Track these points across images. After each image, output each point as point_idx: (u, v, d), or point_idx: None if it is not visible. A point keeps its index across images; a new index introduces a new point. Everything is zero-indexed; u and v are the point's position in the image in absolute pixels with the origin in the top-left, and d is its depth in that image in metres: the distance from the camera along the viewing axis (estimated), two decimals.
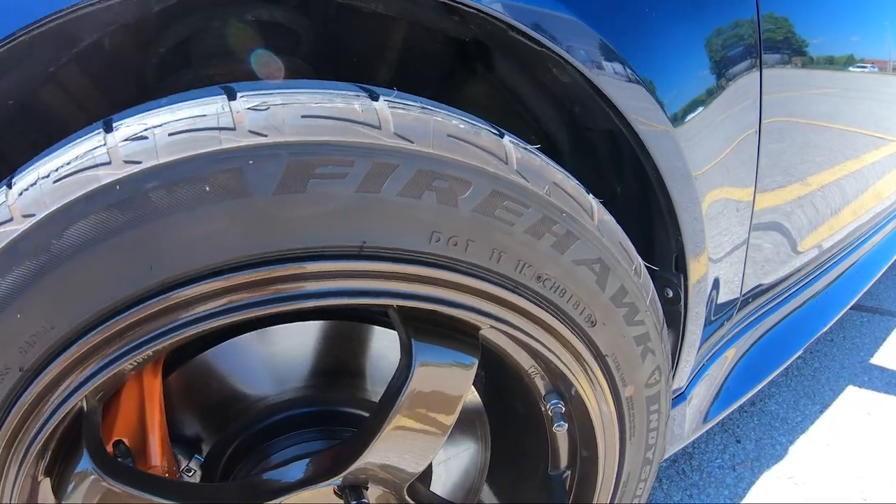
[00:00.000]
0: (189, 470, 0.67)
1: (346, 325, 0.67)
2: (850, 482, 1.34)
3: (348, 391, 0.70)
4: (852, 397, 1.67)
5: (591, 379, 0.61)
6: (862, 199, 1.55)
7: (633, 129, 0.67)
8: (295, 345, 0.67)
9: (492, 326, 0.53)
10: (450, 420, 0.56)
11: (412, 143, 0.45)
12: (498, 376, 0.73)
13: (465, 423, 0.75)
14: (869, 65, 1.51)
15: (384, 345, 0.68)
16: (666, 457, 0.94)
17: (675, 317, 0.80)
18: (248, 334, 0.64)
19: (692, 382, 0.96)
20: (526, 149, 0.51)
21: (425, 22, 0.66)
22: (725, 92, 0.76)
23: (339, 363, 0.69)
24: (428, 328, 0.51)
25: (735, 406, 1.10)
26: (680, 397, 0.93)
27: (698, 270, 0.76)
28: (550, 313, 0.54)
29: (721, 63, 0.77)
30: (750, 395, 1.14)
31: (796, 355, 1.29)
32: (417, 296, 0.48)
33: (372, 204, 0.45)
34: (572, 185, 0.53)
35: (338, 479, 0.58)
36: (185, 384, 0.65)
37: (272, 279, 0.44)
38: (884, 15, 1.54)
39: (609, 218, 0.57)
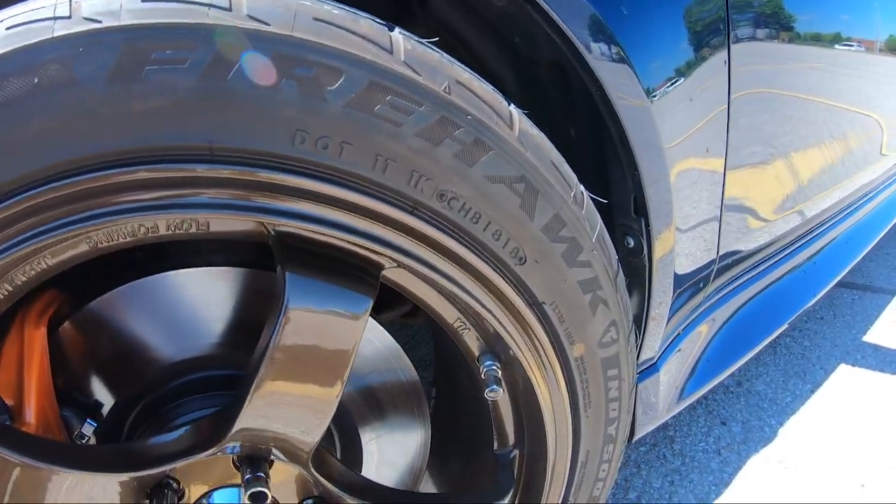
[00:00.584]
0: (82, 436, 0.58)
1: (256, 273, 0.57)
2: (846, 467, 1.25)
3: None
4: (845, 377, 1.59)
5: (527, 333, 0.51)
6: (846, 172, 1.48)
7: (580, 55, 0.58)
8: (197, 295, 0.57)
9: (393, 260, 0.43)
10: (338, 379, 0.46)
11: (268, 25, 0.36)
12: (438, 341, 0.64)
13: (398, 395, 0.66)
14: (855, 43, 1.44)
15: None
16: (641, 436, 0.85)
17: (639, 272, 0.70)
18: (132, 283, 0.55)
19: (665, 354, 0.87)
20: (421, 42, 0.42)
21: None
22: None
23: (249, 317, 0.59)
24: (309, 261, 0.41)
25: (714, 383, 1.00)
26: (651, 369, 0.83)
27: (662, 215, 0.66)
28: (464, 244, 0.44)
29: None
30: (730, 371, 1.05)
31: (779, 330, 1.20)
32: (284, 212, 0.38)
33: (219, 96, 0.35)
34: (483, 87, 0.44)
35: (219, 448, 0.48)
36: (75, 339, 0.56)
37: (108, 188, 0.35)
38: None
39: (537, 132, 0.47)
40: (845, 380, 1.57)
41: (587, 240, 0.51)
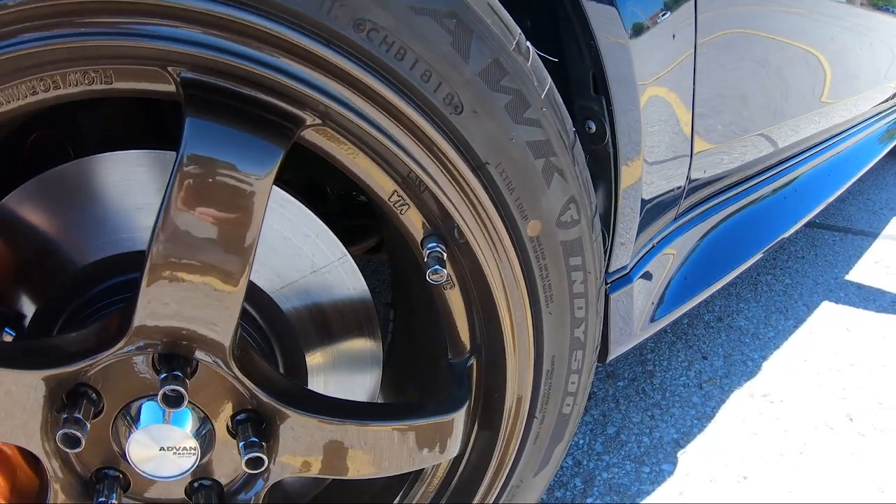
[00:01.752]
0: None
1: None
2: (833, 401, 1.23)
3: None
4: (829, 313, 1.57)
5: (471, 202, 0.46)
6: (821, 103, 1.44)
7: None
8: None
9: (314, 112, 0.37)
10: (243, 255, 0.40)
11: None
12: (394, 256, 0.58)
13: (341, 299, 0.60)
14: None
15: None
16: (615, 356, 0.80)
17: (603, 162, 0.65)
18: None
19: (638, 266, 0.82)
20: None
21: None
22: None
23: None
24: (216, 109, 0.36)
25: (685, 307, 0.96)
26: (624, 280, 0.78)
27: (625, 94, 0.61)
28: (389, 86, 0.38)
29: None
30: (702, 297, 1.01)
31: (755, 258, 1.16)
32: (182, 39, 0.32)
33: None
34: None
35: (125, 346, 0.43)
36: None
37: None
38: None
39: None
40: (829, 316, 1.55)
41: (535, 95, 0.45)
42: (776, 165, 1.35)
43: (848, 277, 1.80)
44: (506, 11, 0.45)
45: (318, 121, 0.41)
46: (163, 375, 0.45)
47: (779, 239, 1.31)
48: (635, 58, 0.60)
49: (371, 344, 0.66)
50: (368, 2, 0.37)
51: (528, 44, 0.47)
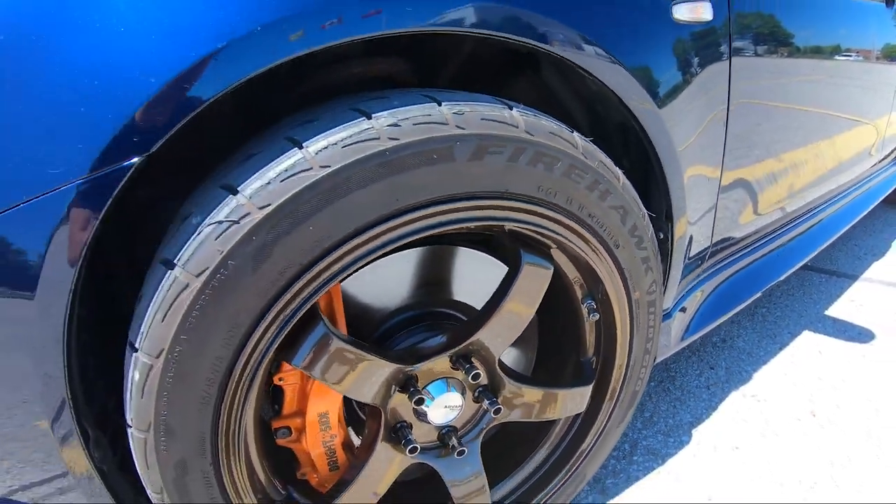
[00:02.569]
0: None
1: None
2: (803, 401, 1.75)
3: None
4: (808, 339, 2.09)
5: (614, 282, 1.00)
6: (822, 174, 1.95)
7: (637, 119, 1.04)
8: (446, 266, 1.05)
9: (554, 242, 0.92)
10: (530, 310, 0.94)
11: (532, 135, 0.82)
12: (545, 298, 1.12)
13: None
14: (855, 54, 1.91)
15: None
16: (658, 361, 1.34)
17: (665, 253, 1.19)
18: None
19: (674, 307, 1.36)
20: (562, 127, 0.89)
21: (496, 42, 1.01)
22: (699, 79, 1.14)
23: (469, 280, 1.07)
24: (526, 242, 0.90)
25: (705, 331, 1.50)
26: (667, 315, 1.32)
27: (680, 218, 1.15)
28: (592, 235, 0.92)
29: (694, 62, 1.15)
30: (717, 323, 1.54)
31: (753, 298, 1.68)
32: (519, 220, 0.86)
33: (512, 169, 0.81)
34: (594, 149, 0.91)
35: (454, 351, 0.96)
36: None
37: (466, 208, 0.80)
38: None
39: (630, 187, 0.95)
40: (807, 342, 2.06)
41: (647, 237, 0.99)
42: (779, 229, 1.87)
43: (826, 312, 2.32)
44: (650, 224, 0.99)
45: (554, 246, 0.94)
46: (466, 366, 0.97)
47: (775, 282, 1.83)
48: (688, 198, 1.14)
49: (532, 345, 1.19)
50: (587, 199, 0.91)
51: (645, 212, 1.00)
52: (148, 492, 0.82)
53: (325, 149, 0.66)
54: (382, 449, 0.95)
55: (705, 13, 1.15)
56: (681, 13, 1.09)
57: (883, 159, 2.77)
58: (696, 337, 1.46)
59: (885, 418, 1.67)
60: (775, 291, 2.44)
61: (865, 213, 2.47)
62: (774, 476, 1.46)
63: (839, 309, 2.33)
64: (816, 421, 1.68)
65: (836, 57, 1.80)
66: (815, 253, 2.04)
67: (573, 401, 1.10)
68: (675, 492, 1.41)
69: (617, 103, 1.02)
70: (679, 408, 1.70)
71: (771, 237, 1.81)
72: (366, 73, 0.91)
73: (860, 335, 2.14)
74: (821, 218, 2.14)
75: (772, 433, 1.61)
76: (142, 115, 0.61)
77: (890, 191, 2.77)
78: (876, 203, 2.58)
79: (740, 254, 1.67)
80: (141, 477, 0.80)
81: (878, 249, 2.97)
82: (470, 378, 0.96)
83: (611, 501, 1.39)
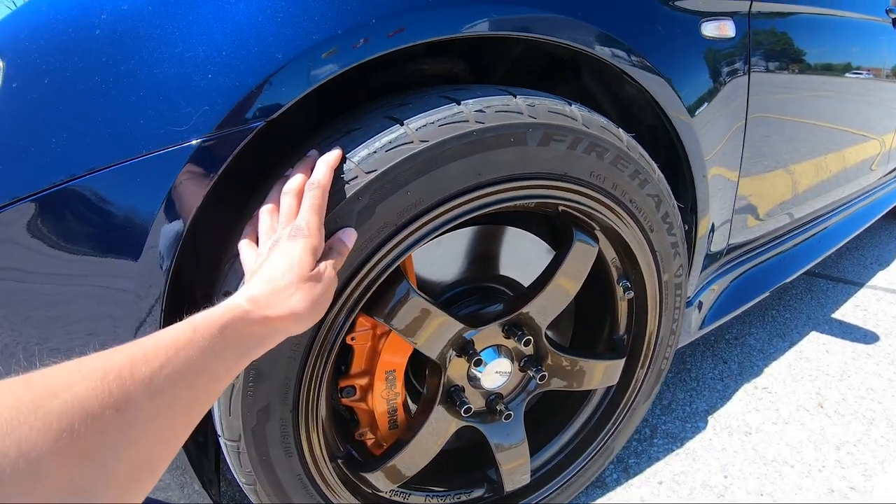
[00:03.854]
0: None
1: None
2: (811, 394, 1.87)
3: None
4: (815, 339, 2.21)
5: (647, 263, 1.12)
6: (829, 184, 2.08)
7: (670, 121, 1.18)
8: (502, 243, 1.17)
9: (598, 224, 1.05)
10: (577, 282, 1.07)
11: (588, 128, 0.95)
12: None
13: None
14: (865, 72, 2.05)
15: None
16: (681, 346, 1.46)
17: (689, 242, 1.32)
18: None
19: (696, 294, 1.49)
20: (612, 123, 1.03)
21: (544, 47, 1.15)
22: (724, 88, 1.27)
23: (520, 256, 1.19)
24: (579, 222, 1.03)
25: (719, 322, 1.62)
26: (689, 302, 1.45)
27: (703, 212, 1.28)
28: (632, 219, 1.05)
29: (720, 75, 1.29)
30: (730, 316, 1.66)
31: (762, 296, 1.81)
32: (573, 200, 0.99)
33: (571, 156, 0.94)
34: (635, 144, 1.05)
35: (509, 319, 1.08)
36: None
37: (532, 186, 0.93)
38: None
39: (663, 177, 1.08)
40: (815, 341, 2.19)
41: (678, 226, 1.12)
42: (786, 234, 2.00)
43: (834, 315, 2.45)
44: (677, 209, 1.11)
45: (598, 227, 1.07)
46: (518, 333, 1.09)
47: (783, 282, 1.96)
48: (710, 198, 1.27)
49: (570, 322, 1.32)
50: (628, 185, 1.04)
51: (675, 204, 1.13)
52: (221, 441, 0.91)
53: (423, 126, 0.79)
54: (440, 411, 1.07)
55: (729, 30, 1.28)
56: (708, 30, 1.23)
57: (889, 172, 2.91)
58: (712, 327, 1.59)
59: (889, 409, 1.79)
60: (785, 295, 2.57)
61: (870, 223, 2.60)
62: (785, 458, 1.58)
63: (845, 312, 2.46)
64: (823, 411, 1.80)
65: (847, 74, 1.94)
66: (821, 258, 2.17)
67: (608, 373, 1.22)
68: (693, 470, 1.53)
69: (652, 107, 1.15)
70: (695, 397, 1.82)
71: (779, 241, 1.94)
72: (432, 71, 1.04)
73: (865, 337, 2.26)
74: (826, 225, 2.27)
75: (782, 421, 1.73)
76: (268, 85, 0.73)
77: (891, 206, 2.90)
78: (880, 214, 2.72)
79: (752, 254, 1.79)
80: (217, 425, 0.89)
81: (883, 259, 3.10)
82: (521, 344, 1.09)
83: (633, 478, 1.50)
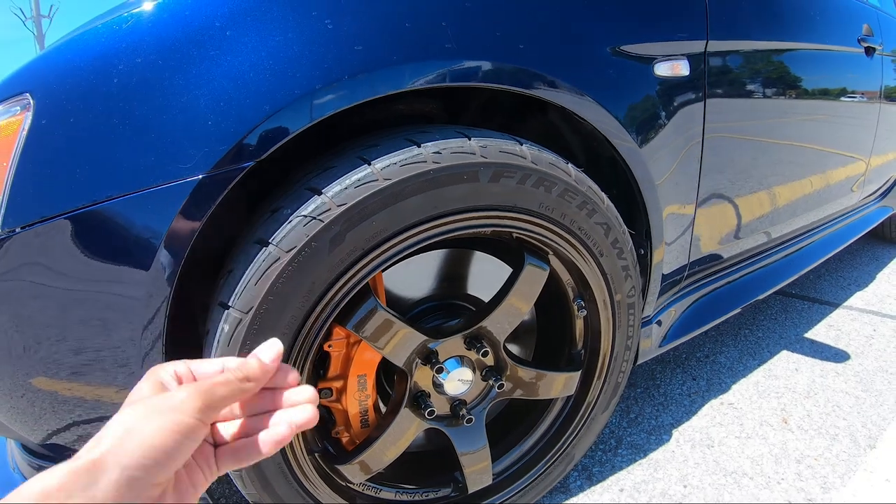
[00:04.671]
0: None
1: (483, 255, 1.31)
2: (776, 410, 1.98)
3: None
4: (786, 358, 2.33)
5: (599, 284, 1.26)
6: (798, 209, 2.21)
7: (620, 154, 1.32)
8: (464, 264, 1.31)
9: (551, 249, 1.18)
10: (530, 302, 1.20)
11: (536, 165, 1.10)
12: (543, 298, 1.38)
13: (526, 319, 1.40)
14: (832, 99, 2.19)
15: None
16: (641, 362, 1.59)
17: (644, 268, 1.45)
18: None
19: (655, 316, 1.62)
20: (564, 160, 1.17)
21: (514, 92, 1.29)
22: (675, 119, 1.42)
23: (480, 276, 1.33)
24: (529, 247, 1.16)
25: (681, 341, 1.75)
26: (649, 321, 1.58)
27: (658, 238, 1.41)
28: (582, 246, 1.18)
29: (671, 109, 1.43)
30: (692, 335, 1.79)
31: (724, 318, 1.92)
32: (523, 229, 1.12)
33: (520, 190, 1.09)
34: (585, 178, 1.18)
35: (467, 332, 1.21)
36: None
37: (485, 217, 1.08)
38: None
39: (611, 204, 1.22)
40: (785, 361, 2.30)
41: (628, 250, 1.25)
42: (750, 258, 2.13)
43: (806, 335, 2.56)
44: (628, 235, 1.25)
45: (551, 252, 1.21)
46: (477, 346, 1.23)
47: (747, 304, 2.07)
48: (664, 224, 1.40)
49: (532, 338, 1.45)
50: (576, 215, 1.18)
51: (626, 230, 1.27)
52: None
53: (387, 166, 0.94)
54: (406, 412, 1.20)
55: (683, 69, 1.43)
56: (662, 70, 1.37)
57: (867, 197, 3.04)
58: (674, 344, 1.72)
59: (853, 425, 1.91)
60: (759, 315, 2.69)
61: (840, 249, 2.71)
62: (745, 470, 1.70)
63: (818, 332, 2.57)
64: (787, 427, 1.91)
65: (811, 101, 2.08)
66: (787, 282, 2.28)
67: (567, 384, 1.35)
68: (654, 479, 1.65)
69: (605, 141, 1.29)
70: (662, 411, 1.94)
71: (742, 265, 2.06)
72: (408, 111, 1.19)
73: (835, 356, 2.37)
74: (795, 249, 2.39)
75: (745, 435, 1.85)
76: (259, 130, 0.88)
77: (867, 230, 3.03)
78: (852, 241, 2.84)
79: (715, 276, 1.92)
80: None
81: (861, 280, 3.22)
82: (480, 355, 1.22)
83: (596, 485, 1.62)
